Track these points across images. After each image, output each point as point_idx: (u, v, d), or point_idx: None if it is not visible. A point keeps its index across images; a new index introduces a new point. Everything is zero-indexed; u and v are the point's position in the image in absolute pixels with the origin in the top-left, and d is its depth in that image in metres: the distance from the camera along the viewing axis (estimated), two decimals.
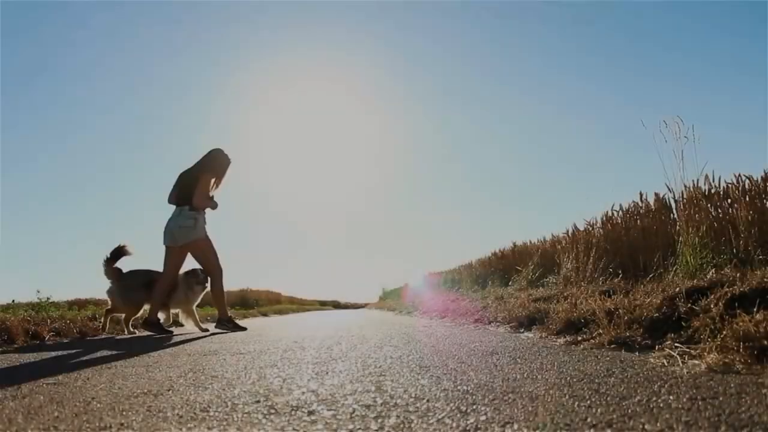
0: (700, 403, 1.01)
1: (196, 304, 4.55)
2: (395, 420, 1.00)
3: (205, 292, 4.57)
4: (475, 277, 8.65)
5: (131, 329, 4.57)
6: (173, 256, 4.39)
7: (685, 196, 3.44)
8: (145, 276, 4.55)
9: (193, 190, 4.29)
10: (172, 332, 4.41)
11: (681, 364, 1.46)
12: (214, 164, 4.46)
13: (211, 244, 4.44)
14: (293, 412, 1.10)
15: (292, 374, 1.66)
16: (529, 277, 5.85)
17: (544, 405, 1.07)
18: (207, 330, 4.42)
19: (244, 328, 4.57)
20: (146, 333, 4.42)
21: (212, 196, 4.44)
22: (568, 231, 5.41)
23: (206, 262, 4.43)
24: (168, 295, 4.43)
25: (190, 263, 4.56)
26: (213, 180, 4.43)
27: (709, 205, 3.30)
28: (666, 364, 1.50)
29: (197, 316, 4.59)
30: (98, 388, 1.52)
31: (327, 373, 1.66)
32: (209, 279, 4.48)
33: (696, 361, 1.46)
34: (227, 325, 4.52)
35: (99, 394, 1.42)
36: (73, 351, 2.94)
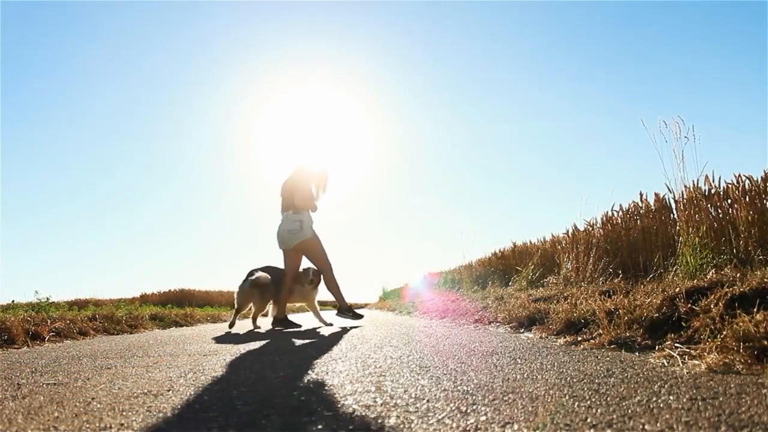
0: (700, 403, 1.01)
1: (316, 298, 4.90)
2: (395, 420, 1.00)
3: (317, 287, 4.84)
4: (475, 278, 8.64)
5: (257, 324, 4.84)
6: (289, 258, 4.73)
7: (685, 197, 3.44)
8: (272, 274, 4.81)
9: (293, 196, 4.62)
10: (300, 326, 4.68)
11: (681, 365, 1.46)
12: (308, 171, 4.83)
13: (319, 242, 4.71)
14: (293, 413, 1.10)
15: (293, 374, 1.66)
16: (529, 277, 5.85)
17: (544, 405, 1.07)
18: (330, 323, 4.79)
19: (361, 316, 4.95)
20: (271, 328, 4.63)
21: (314, 200, 4.80)
22: (568, 231, 5.40)
23: (316, 259, 4.73)
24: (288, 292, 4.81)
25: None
26: (313, 186, 4.79)
27: (709, 206, 3.30)
28: (666, 364, 1.50)
29: (317, 309, 4.93)
30: (98, 389, 1.52)
31: (327, 373, 1.66)
32: (321, 275, 4.77)
33: (696, 362, 1.46)
34: (347, 313, 4.85)
35: (99, 394, 1.42)
36: (74, 351, 2.94)
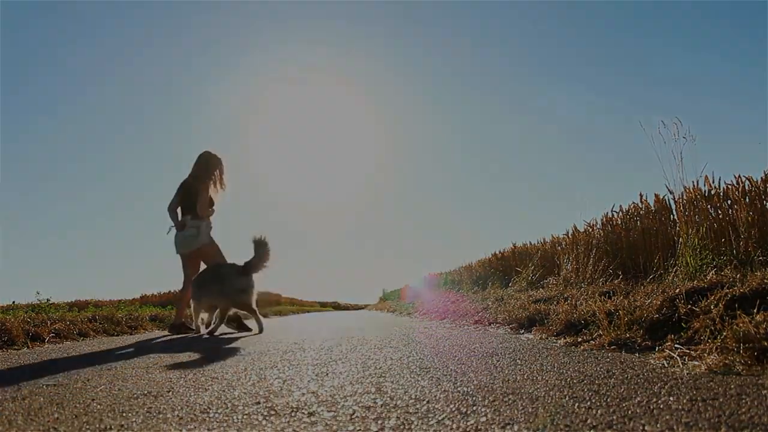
0: (700, 404, 1.01)
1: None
2: (395, 421, 1.00)
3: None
4: (475, 279, 8.65)
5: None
6: (187, 263, 4.60)
7: (684, 198, 3.44)
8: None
9: (194, 200, 4.45)
10: (192, 330, 4.46)
11: (681, 366, 1.46)
12: (209, 170, 4.61)
13: (217, 248, 4.56)
14: (293, 414, 1.10)
15: (292, 375, 1.66)
16: (529, 278, 5.85)
17: (544, 406, 1.07)
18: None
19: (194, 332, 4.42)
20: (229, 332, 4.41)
21: (212, 204, 4.60)
22: (568, 232, 5.42)
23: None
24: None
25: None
26: (212, 185, 4.58)
27: (708, 207, 3.30)
28: (666, 365, 1.50)
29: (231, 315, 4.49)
30: (98, 390, 1.52)
31: (327, 374, 1.66)
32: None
33: (696, 362, 1.46)
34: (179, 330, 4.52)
35: (99, 395, 1.42)
36: (74, 352, 2.94)
